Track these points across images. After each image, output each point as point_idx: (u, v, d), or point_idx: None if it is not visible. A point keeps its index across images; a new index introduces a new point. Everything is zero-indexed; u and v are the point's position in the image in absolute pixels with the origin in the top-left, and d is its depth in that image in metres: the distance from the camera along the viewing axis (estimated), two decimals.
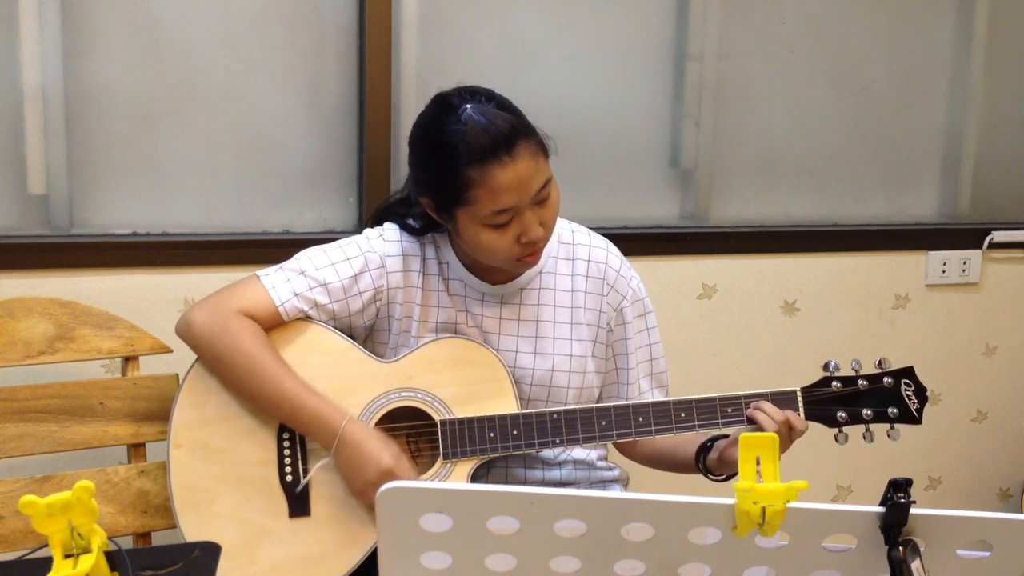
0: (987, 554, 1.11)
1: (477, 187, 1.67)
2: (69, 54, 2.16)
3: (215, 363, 1.76)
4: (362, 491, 1.71)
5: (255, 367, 1.73)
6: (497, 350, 1.82)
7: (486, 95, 1.72)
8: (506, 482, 1.86)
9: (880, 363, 1.81)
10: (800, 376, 1.83)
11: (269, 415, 1.77)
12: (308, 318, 1.80)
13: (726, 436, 1.79)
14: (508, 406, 1.78)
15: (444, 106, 1.72)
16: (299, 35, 2.31)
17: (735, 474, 1.79)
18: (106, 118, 2.21)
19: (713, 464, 1.79)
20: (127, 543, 1.90)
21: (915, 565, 1.05)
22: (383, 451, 1.70)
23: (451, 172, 1.67)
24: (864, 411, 1.79)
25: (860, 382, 1.80)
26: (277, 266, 1.82)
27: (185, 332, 1.78)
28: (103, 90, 2.20)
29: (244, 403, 1.77)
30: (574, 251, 1.88)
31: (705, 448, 1.80)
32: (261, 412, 1.77)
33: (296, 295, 1.78)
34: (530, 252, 1.74)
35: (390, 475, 1.68)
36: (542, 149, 1.72)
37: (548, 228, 1.74)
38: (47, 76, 2.14)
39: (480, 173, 1.66)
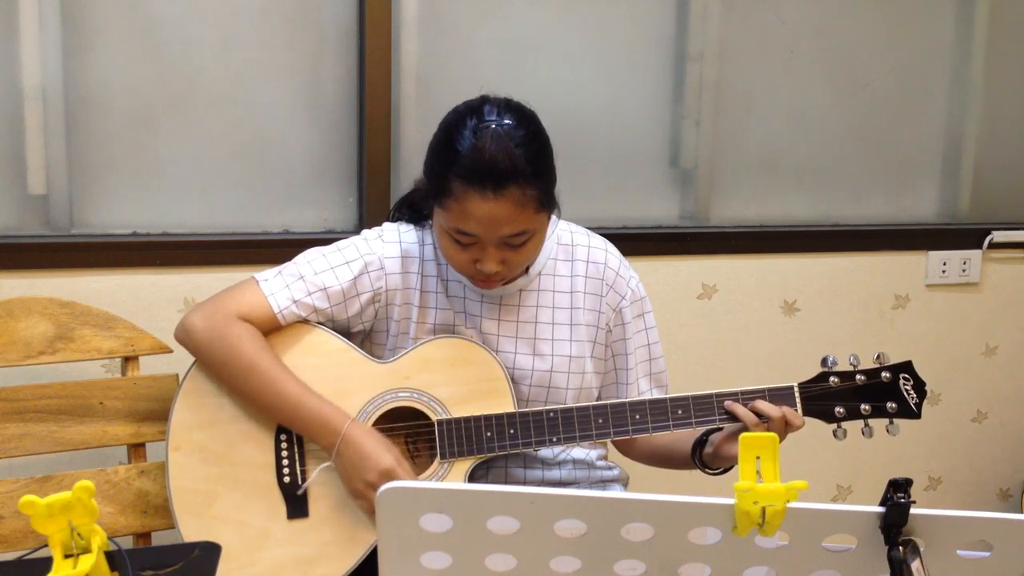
0: (987, 554, 1.11)
1: (454, 199, 1.67)
2: (69, 53, 2.16)
3: (215, 367, 1.76)
4: (361, 492, 1.71)
5: (255, 370, 1.73)
6: (496, 351, 1.82)
7: (519, 121, 1.68)
8: (506, 482, 1.86)
9: (878, 357, 1.80)
10: (800, 376, 1.82)
11: (269, 418, 1.77)
12: (306, 321, 1.80)
13: (721, 430, 1.79)
14: (505, 406, 1.78)
15: (477, 110, 1.70)
16: (299, 35, 2.31)
17: (731, 468, 1.79)
18: (106, 118, 2.21)
19: (709, 458, 1.79)
20: (127, 543, 1.90)
21: (915, 565, 1.05)
22: (384, 452, 1.70)
23: (443, 170, 1.68)
24: (862, 406, 1.79)
25: (858, 377, 1.79)
26: (276, 270, 1.81)
27: (184, 338, 1.78)
28: (103, 90, 2.20)
29: (242, 405, 1.77)
30: (573, 252, 1.88)
31: (701, 443, 1.80)
32: (261, 414, 1.77)
33: (295, 302, 1.78)
34: (482, 279, 1.74)
35: (390, 475, 1.67)
36: (537, 203, 1.68)
37: (510, 268, 1.73)
38: (47, 76, 2.14)
39: (461, 190, 1.66)
